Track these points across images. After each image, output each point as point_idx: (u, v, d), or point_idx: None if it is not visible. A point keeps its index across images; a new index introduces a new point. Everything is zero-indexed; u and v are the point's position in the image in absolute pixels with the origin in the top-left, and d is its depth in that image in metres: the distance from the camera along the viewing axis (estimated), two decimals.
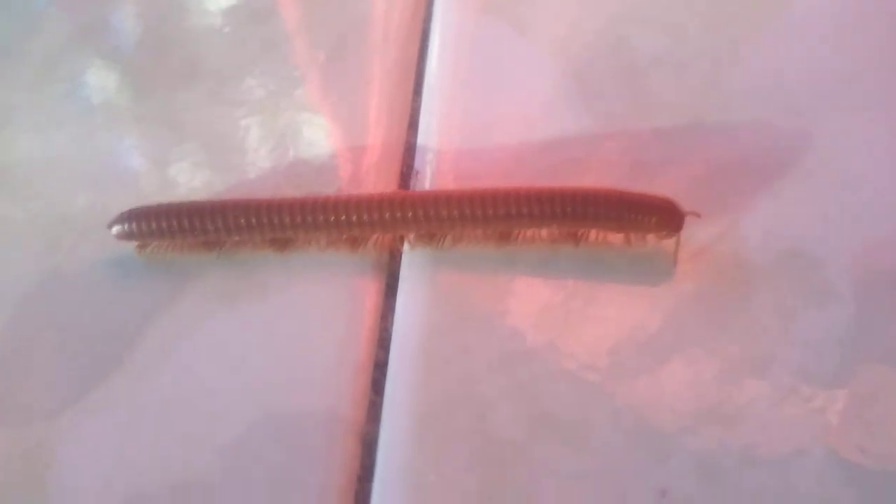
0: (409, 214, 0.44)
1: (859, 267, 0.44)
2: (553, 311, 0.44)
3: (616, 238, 0.45)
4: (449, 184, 0.49)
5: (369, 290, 0.45)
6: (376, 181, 0.50)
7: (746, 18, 0.57)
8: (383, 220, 0.44)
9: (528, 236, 0.45)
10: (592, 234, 0.45)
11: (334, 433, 0.41)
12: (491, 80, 0.55)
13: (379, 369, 0.43)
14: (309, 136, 0.52)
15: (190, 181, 0.50)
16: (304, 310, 0.45)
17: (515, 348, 0.42)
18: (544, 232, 0.45)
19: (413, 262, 0.46)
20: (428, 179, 0.50)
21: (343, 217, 0.44)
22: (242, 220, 0.45)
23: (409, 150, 0.52)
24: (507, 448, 0.39)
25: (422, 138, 0.52)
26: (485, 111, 0.53)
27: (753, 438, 0.39)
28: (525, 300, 0.44)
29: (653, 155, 0.50)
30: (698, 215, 0.43)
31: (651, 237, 0.44)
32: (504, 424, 0.40)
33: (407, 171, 0.50)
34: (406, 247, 0.46)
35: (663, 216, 0.43)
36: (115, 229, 0.46)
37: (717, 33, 0.56)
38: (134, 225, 0.45)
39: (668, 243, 0.44)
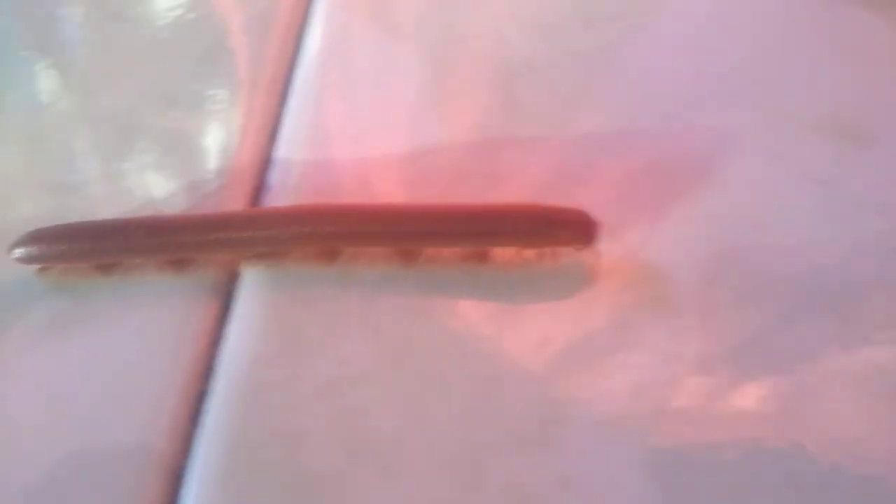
0: (318, 230, 0.43)
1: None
2: (386, 332, 0.41)
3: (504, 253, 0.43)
4: (306, 199, 0.47)
5: (202, 316, 0.43)
6: (226, 198, 0.48)
7: (626, 20, 0.55)
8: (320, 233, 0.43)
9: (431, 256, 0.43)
10: (496, 251, 0.43)
11: (144, 468, 0.39)
12: (361, 88, 0.53)
13: (201, 400, 0.41)
14: (169, 147, 0.51)
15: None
16: (134, 338, 0.43)
17: (344, 374, 0.40)
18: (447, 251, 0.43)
19: (251, 284, 0.44)
20: (282, 195, 0.48)
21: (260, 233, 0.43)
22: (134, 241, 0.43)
23: (267, 164, 0.50)
24: (318, 480, 0.37)
25: (283, 151, 0.50)
26: (352, 121, 0.52)
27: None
28: (362, 323, 0.42)
29: (513, 163, 0.47)
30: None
31: (565, 251, 0.43)
32: (318, 455, 0.38)
33: (261, 187, 0.49)
34: (247, 268, 0.44)
35: (578, 228, 0.41)
36: (17, 252, 0.44)
37: (596, 35, 0.54)
38: (36, 248, 0.44)
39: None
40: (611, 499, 0.36)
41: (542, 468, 0.37)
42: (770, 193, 0.45)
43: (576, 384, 0.39)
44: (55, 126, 0.52)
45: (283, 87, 0.54)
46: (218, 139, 0.51)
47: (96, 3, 0.60)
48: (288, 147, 0.50)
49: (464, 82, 0.53)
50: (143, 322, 0.43)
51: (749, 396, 0.38)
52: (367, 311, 0.42)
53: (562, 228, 0.41)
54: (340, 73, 0.54)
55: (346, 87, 0.53)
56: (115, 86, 0.54)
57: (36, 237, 0.44)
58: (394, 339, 0.41)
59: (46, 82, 0.55)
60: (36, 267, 0.45)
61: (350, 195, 0.47)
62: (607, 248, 0.43)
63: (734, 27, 0.56)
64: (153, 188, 0.49)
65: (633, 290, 0.42)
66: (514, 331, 0.41)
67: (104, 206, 0.48)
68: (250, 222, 0.43)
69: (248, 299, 0.43)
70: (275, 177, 0.49)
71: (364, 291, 0.42)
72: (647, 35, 0.55)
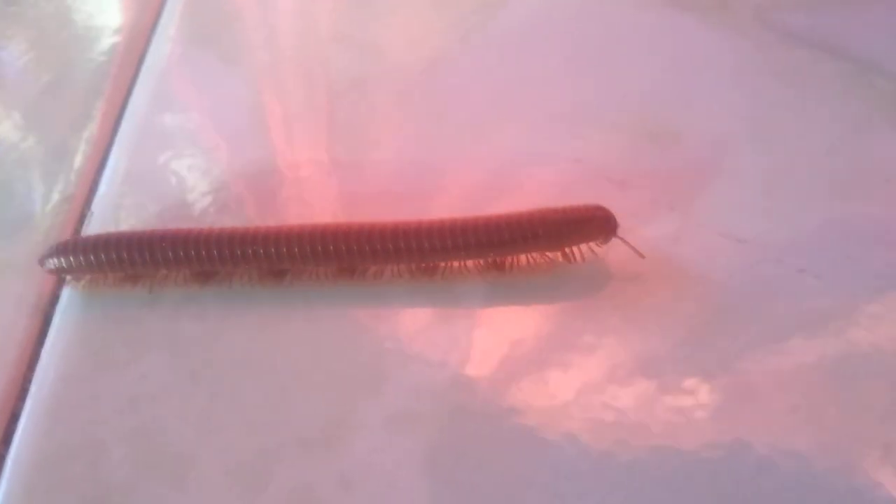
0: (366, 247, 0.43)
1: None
2: (185, 350, 0.43)
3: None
4: (123, 226, 0.48)
5: (21, 339, 0.45)
6: (51, 224, 0.49)
7: (447, 36, 0.57)
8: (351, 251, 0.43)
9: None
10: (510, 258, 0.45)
11: None
12: (191, 113, 0.55)
13: (15, 420, 0.42)
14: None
15: None
16: None
17: (144, 390, 0.42)
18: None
19: (67, 305, 0.46)
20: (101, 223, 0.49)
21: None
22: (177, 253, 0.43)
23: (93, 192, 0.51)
24: (114, 492, 0.39)
25: (108, 179, 0.51)
26: (182, 146, 0.53)
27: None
28: (164, 341, 0.43)
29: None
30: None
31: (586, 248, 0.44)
32: (116, 468, 0.39)
33: (85, 214, 0.50)
34: (66, 288, 0.46)
35: (600, 223, 0.43)
36: (50, 263, 0.44)
37: (416, 52, 0.56)
38: (68, 259, 0.44)
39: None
40: (391, 497, 0.37)
41: (326, 470, 0.38)
42: (571, 195, 0.46)
43: (363, 388, 0.41)
44: None
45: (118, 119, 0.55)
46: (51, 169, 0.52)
47: None
48: (113, 174, 0.52)
49: (295, 102, 0.54)
50: None
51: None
52: (169, 330, 0.43)
53: (587, 225, 0.43)
54: (167, 100, 0.55)
55: (176, 113, 0.54)
56: None
57: (63, 248, 0.44)
58: (193, 356, 0.42)
59: None
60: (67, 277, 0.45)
61: (174, 220, 0.48)
62: None
63: (554, 33, 0.59)
64: None
65: None
66: (302, 343, 0.43)
67: None
68: (272, 238, 0.43)
69: (63, 320, 0.45)
70: (98, 206, 0.50)
71: (167, 311, 0.44)
72: (468, 47, 0.57)
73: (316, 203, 0.49)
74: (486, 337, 0.43)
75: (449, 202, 0.48)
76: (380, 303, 0.44)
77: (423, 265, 0.44)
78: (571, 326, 0.43)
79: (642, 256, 0.44)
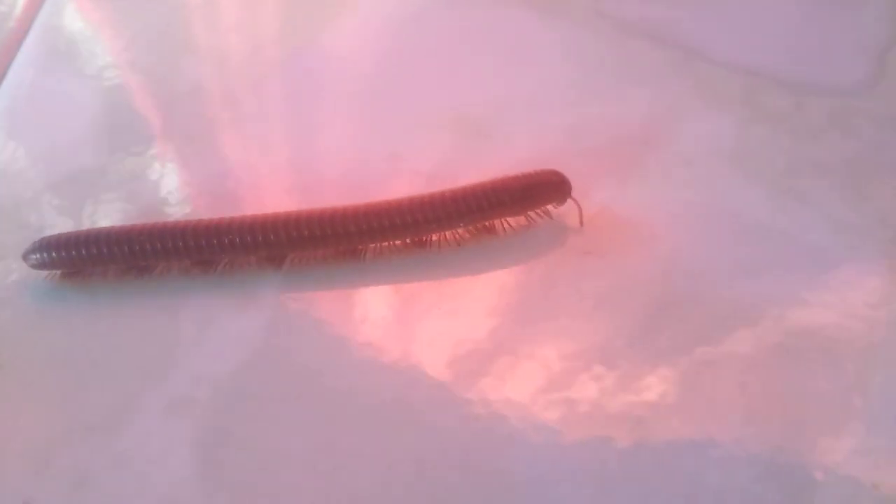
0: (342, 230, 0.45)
1: None
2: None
3: None
4: None
5: None
6: None
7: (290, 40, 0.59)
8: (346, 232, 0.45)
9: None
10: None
11: None
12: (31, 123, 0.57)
13: None
14: None
15: None
16: None
17: None
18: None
19: None
20: None
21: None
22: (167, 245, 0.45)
23: None
24: None
25: None
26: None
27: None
28: None
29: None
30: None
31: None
32: None
33: None
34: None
35: (556, 186, 0.46)
36: (33, 259, 0.46)
37: (258, 58, 0.58)
38: (53, 254, 0.45)
39: None
40: (159, 477, 0.40)
41: (103, 452, 0.41)
42: (392, 193, 0.48)
43: (150, 376, 0.43)
44: None
45: None
46: None
47: None
48: None
49: (136, 111, 0.57)
50: None
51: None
52: None
53: (542, 189, 0.46)
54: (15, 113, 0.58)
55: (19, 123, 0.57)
56: None
57: (47, 244, 0.46)
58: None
59: None
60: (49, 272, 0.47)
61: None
62: None
63: (389, 31, 0.60)
64: None
65: None
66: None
67: None
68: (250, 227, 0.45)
69: None
70: None
71: None
72: (312, 49, 0.59)
73: None
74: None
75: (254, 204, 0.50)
76: (171, 295, 0.46)
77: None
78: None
79: (581, 224, 0.47)
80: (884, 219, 0.48)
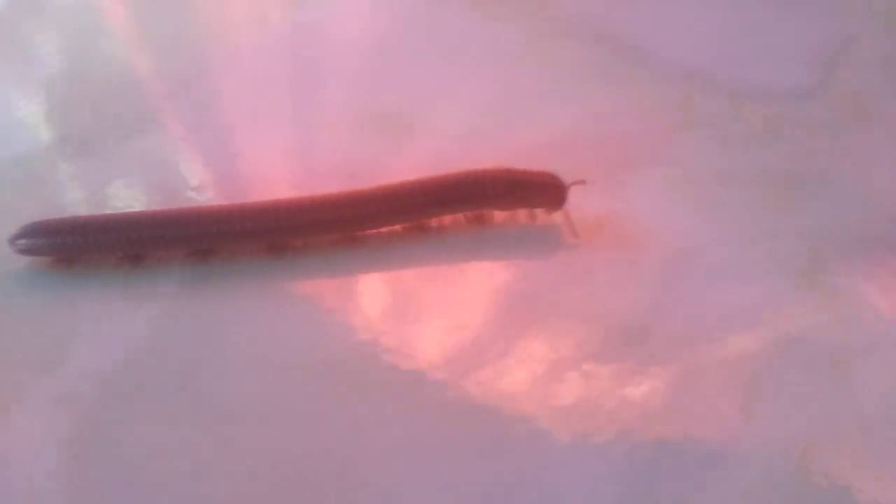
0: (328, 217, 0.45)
1: None
2: None
3: None
4: None
5: None
6: None
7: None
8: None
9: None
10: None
11: None
12: None
13: None
14: None
15: None
16: None
17: None
18: None
19: None
20: None
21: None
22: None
23: None
24: None
25: None
26: None
27: None
28: None
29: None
30: (583, 182, 0.44)
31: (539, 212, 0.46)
32: None
33: None
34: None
35: (549, 190, 0.45)
36: (21, 243, 0.45)
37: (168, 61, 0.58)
38: (42, 240, 0.45)
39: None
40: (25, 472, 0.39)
41: None
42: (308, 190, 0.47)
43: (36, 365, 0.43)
44: None
45: None
46: None
47: None
48: None
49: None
50: None
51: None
52: None
53: (536, 190, 0.45)
54: None
55: None
56: None
57: (35, 230, 0.45)
58: None
59: None
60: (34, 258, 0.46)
61: None
62: None
63: (325, 25, 0.60)
64: None
65: None
66: None
67: None
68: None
69: None
70: None
71: None
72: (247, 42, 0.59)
73: None
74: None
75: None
76: (74, 287, 0.46)
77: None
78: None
79: (577, 236, 0.45)
80: (801, 231, 0.46)
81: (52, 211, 0.47)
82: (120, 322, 0.44)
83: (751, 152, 0.49)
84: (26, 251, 0.45)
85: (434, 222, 0.46)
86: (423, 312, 0.44)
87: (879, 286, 0.44)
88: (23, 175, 0.51)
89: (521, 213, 0.46)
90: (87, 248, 0.45)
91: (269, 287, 0.45)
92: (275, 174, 0.51)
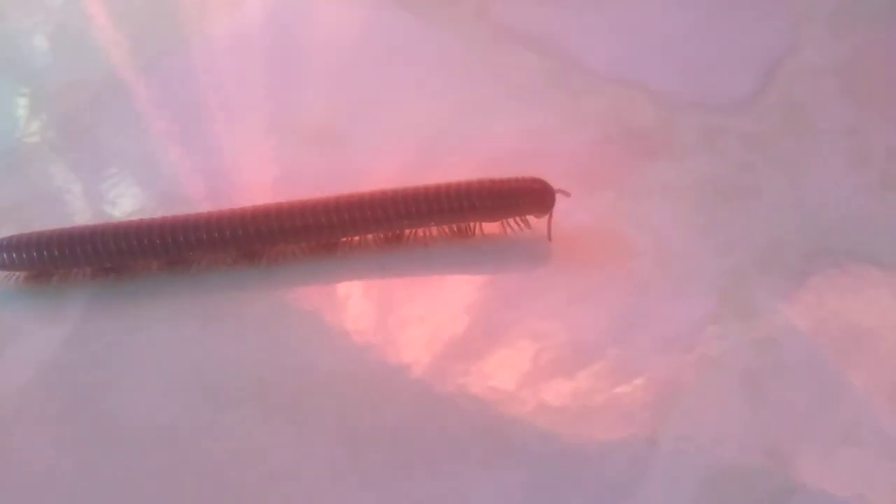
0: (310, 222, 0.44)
1: None
2: None
3: None
4: None
5: None
6: None
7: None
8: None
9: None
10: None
11: None
12: None
13: None
14: None
15: None
16: None
17: None
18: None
19: None
20: None
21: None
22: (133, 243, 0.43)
23: None
24: None
25: None
26: None
27: None
28: None
29: None
30: (568, 194, 0.44)
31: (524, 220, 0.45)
32: None
33: None
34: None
35: (538, 196, 0.44)
36: None
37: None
38: (15, 255, 0.43)
39: None
40: None
41: None
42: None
43: None
44: None
45: None
46: None
47: None
48: None
49: None
50: None
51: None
52: None
53: (523, 197, 0.44)
54: None
55: None
56: None
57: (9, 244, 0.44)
58: None
59: None
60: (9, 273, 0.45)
61: None
62: None
63: (268, 33, 0.59)
64: None
65: None
66: None
67: None
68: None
69: None
70: None
71: None
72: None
73: None
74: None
75: None
76: None
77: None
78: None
79: (549, 239, 0.44)
80: (727, 248, 0.45)
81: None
82: (22, 343, 0.43)
83: (681, 165, 0.48)
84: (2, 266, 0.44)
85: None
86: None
87: (801, 307, 0.43)
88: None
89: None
90: (67, 261, 0.44)
91: (179, 304, 0.44)
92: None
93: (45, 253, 0.43)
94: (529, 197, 0.44)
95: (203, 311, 0.44)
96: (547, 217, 0.44)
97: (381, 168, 0.49)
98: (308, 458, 0.39)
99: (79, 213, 0.49)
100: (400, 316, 0.44)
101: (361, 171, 0.49)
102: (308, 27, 0.59)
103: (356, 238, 0.45)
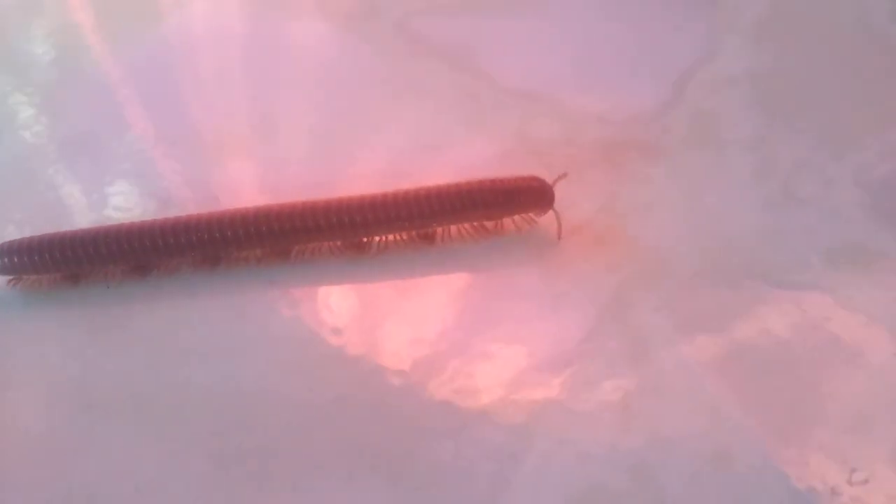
0: (332, 221, 0.44)
1: None
2: None
3: None
4: None
5: None
6: None
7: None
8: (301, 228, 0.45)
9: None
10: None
11: None
12: None
13: None
14: None
15: None
16: None
17: None
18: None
19: None
20: None
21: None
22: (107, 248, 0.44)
23: None
24: None
25: None
26: None
27: None
28: None
29: None
30: (565, 175, 0.45)
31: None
32: None
33: None
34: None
35: (537, 194, 0.45)
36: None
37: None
38: (7, 259, 0.44)
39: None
40: None
41: None
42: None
43: None
44: None
45: None
46: None
47: None
48: None
49: None
50: None
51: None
52: None
53: (523, 196, 0.45)
54: None
55: None
56: None
57: (8, 249, 0.44)
58: None
59: None
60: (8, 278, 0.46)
61: None
62: None
63: (191, 44, 0.59)
64: None
65: None
66: None
67: None
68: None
69: None
70: None
71: None
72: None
73: None
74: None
75: None
76: None
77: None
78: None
79: (559, 237, 0.45)
80: (612, 262, 0.45)
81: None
82: None
83: (581, 179, 0.48)
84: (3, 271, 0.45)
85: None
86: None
87: (683, 324, 0.43)
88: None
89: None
90: (73, 262, 0.45)
91: (68, 315, 0.45)
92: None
93: (55, 254, 0.44)
94: (527, 194, 0.44)
95: (90, 324, 0.44)
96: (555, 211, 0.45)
97: (272, 179, 0.49)
98: (175, 473, 0.39)
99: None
100: (273, 334, 0.44)
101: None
102: (223, 37, 0.59)
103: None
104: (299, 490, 0.39)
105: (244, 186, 0.50)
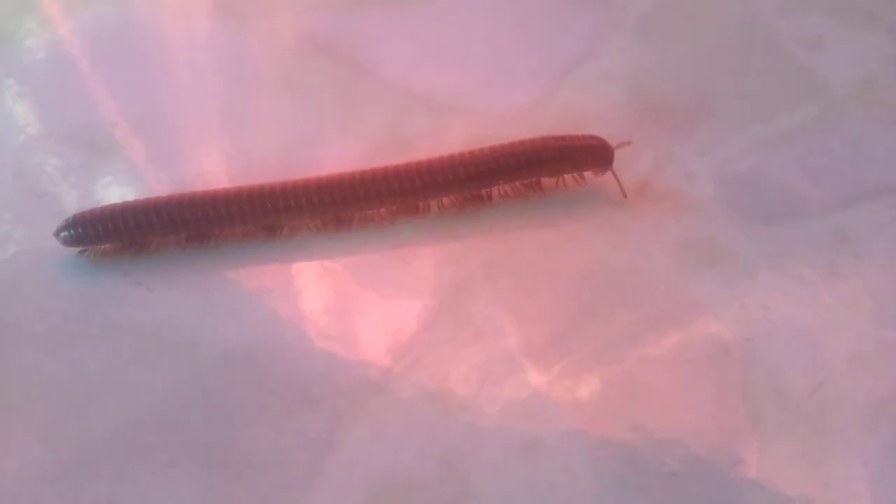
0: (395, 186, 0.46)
1: None
2: None
3: None
4: None
5: None
6: None
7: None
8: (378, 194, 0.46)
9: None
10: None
11: None
12: None
13: None
14: None
15: None
16: None
17: None
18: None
19: None
20: None
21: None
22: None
23: None
24: None
25: None
26: None
27: None
28: None
29: None
30: (629, 143, 0.47)
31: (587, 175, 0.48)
32: None
33: None
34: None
35: (598, 152, 0.47)
36: (63, 235, 0.46)
37: None
38: (82, 229, 0.46)
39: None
40: None
41: None
42: None
43: None
44: None
45: None
46: None
47: None
48: None
49: None
50: None
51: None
52: None
53: (585, 153, 0.47)
54: None
55: None
56: None
57: (79, 220, 0.46)
58: None
59: None
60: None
61: None
62: None
63: (97, 40, 0.60)
64: None
65: None
66: None
67: None
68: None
69: None
70: None
71: None
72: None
73: None
74: None
75: None
76: None
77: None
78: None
79: (625, 196, 0.47)
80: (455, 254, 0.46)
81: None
82: None
83: None
84: (70, 242, 0.46)
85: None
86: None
87: (519, 319, 0.43)
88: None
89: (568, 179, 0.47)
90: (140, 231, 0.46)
91: None
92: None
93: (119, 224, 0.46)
94: (589, 152, 0.46)
95: None
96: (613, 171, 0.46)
97: (156, 176, 0.51)
98: (8, 457, 0.41)
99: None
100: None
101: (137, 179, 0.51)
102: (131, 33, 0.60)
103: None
104: (121, 475, 0.40)
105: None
